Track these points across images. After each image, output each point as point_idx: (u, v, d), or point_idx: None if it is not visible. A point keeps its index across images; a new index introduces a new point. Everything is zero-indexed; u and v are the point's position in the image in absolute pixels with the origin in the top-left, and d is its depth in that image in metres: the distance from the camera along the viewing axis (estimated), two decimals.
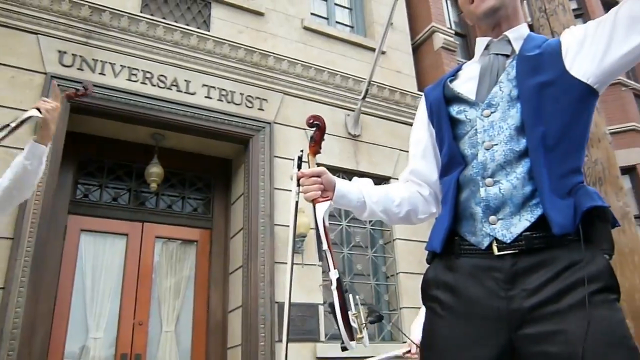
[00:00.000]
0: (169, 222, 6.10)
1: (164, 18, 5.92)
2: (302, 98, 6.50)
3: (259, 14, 6.68)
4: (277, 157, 6.00)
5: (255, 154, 5.92)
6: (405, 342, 3.56)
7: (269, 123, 6.11)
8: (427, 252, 1.50)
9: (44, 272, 4.82)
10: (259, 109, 6.15)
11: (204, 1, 6.36)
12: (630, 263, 3.68)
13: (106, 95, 5.23)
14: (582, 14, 10.71)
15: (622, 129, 9.40)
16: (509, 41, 1.49)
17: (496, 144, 1.36)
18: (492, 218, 1.32)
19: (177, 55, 5.78)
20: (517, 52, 1.44)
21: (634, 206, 8.83)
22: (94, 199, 5.81)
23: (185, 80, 5.76)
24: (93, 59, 5.32)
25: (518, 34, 1.49)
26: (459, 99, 1.48)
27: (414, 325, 3.39)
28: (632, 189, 9.32)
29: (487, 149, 1.37)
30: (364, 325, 1.56)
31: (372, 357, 3.41)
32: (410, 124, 1.91)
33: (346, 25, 7.83)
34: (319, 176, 1.61)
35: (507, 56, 1.46)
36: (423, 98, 1.66)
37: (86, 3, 5.36)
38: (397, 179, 1.82)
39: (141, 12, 5.80)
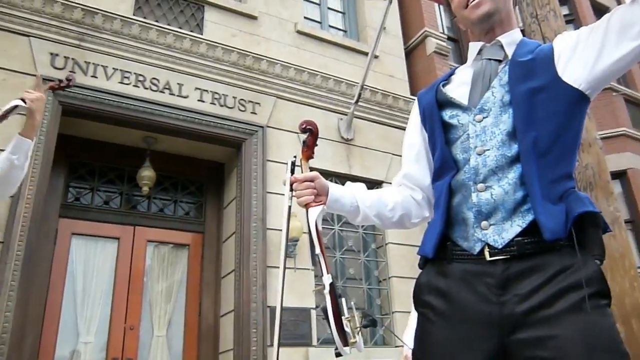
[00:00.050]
0: (160, 225, 6.07)
1: (156, 21, 5.91)
2: (295, 102, 6.50)
3: (252, 17, 6.68)
4: (269, 161, 5.99)
5: (248, 158, 5.91)
6: (398, 346, 3.56)
7: (262, 127, 6.10)
8: (419, 256, 1.50)
9: (34, 276, 4.78)
10: (251, 112, 6.14)
11: (197, 4, 6.36)
12: (621, 268, 3.70)
13: (98, 98, 5.21)
14: (573, 20, 10.79)
15: (612, 133, 9.47)
16: (501, 46, 1.49)
17: (488, 149, 1.36)
18: (484, 223, 1.33)
19: (169, 58, 5.77)
20: (509, 57, 1.44)
21: (624, 211, 8.89)
22: (85, 202, 5.78)
23: (178, 84, 5.75)
24: (85, 62, 5.30)
25: (511, 39, 1.50)
26: (451, 104, 1.48)
27: (407, 331, 3.38)
28: (623, 193, 9.39)
29: (479, 154, 1.37)
30: (358, 329, 1.56)
31: None
32: (403, 128, 1.91)
33: (339, 29, 7.85)
34: (312, 181, 1.61)
35: (500, 61, 1.46)
36: (416, 102, 1.67)
37: (78, 5, 5.34)
38: (390, 183, 1.82)
39: (134, 14, 5.79)
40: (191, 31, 6.11)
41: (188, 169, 6.39)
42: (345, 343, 1.50)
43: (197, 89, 5.86)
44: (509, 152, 1.34)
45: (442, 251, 1.40)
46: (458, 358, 1.28)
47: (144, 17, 5.85)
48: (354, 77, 6.88)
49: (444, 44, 8.27)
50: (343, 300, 1.57)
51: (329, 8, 7.87)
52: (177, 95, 5.70)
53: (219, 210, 6.43)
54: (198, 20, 6.30)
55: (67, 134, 5.36)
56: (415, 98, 1.69)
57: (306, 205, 1.61)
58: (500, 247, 1.29)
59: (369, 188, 1.71)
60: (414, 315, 3.06)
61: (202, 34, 6.16)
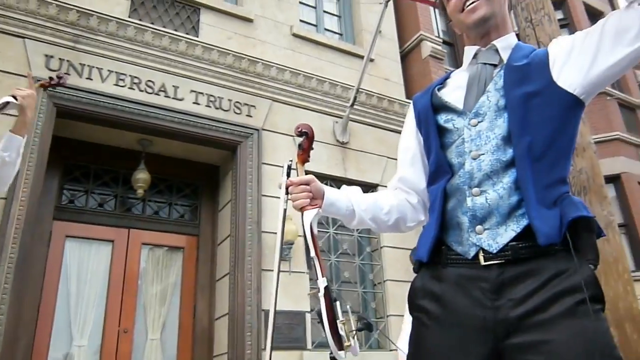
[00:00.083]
0: (155, 228, 6.06)
1: (152, 23, 5.90)
2: (290, 105, 6.51)
3: (248, 20, 6.68)
4: (265, 163, 5.99)
5: (243, 161, 5.91)
6: (393, 350, 3.55)
7: (257, 130, 6.10)
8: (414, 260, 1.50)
9: (28, 279, 4.76)
10: (247, 115, 6.14)
11: (193, 7, 6.35)
12: (615, 272, 3.71)
13: (93, 100, 5.19)
14: (567, 24, 10.86)
15: (606, 138, 9.53)
16: (496, 50, 1.49)
17: (483, 154, 1.37)
18: (478, 228, 1.33)
19: (165, 60, 5.76)
20: (504, 61, 1.45)
21: (618, 215, 8.93)
22: (80, 204, 5.76)
23: (174, 86, 5.74)
24: (80, 64, 5.29)
25: (506, 43, 1.50)
26: (446, 108, 1.48)
27: (401, 335, 3.38)
28: (617, 197, 9.44)
29: (474, 159, 1.37)
30: (353, 333, 1.55)
31: None
32: (398, 132, 1.92)
33: (335, 32, 7.87)
34: (307, 184, 1.61)
35: (495, 66, 1.46)
36: (411, 106, 1.67)
37: (74, 7, 5.33)
38: (385, 186, 1.82)
39: (129, 17, 5.78)
40: (187, 34, 6.11)
41: (183, 172, 6.38)
42: (340, 347, 1.49)
43: (192, 91, 5.85)
44: (503, 156, 1.34)
45: (436, 255, 1.40)
46: None
47: (140, 20, 5.85)
48: (349, 80, 6.89)
49: (440, 47, 8.31)
50: (338, 303, 1.57)
51: (324, 11, 7.88)
52: (173, 98, 5.70)
53: (213, 213, 6.42)
54: (194, 22, 6.30)
55: (62, 136, 5.35)
56: (411, 101, 1.69)
57: (302, 209, 1.61)
58: (494, 251, 1.29)
59: (364, 191, 1.71)
60: (407, 320, 3.06)
61: (197, 37, 6.15)
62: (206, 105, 5.90)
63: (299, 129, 1.82)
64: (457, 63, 8.81)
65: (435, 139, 1.47)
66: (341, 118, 6.75)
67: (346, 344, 1.51)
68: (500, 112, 1.37)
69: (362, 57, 6.77)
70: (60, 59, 5.19)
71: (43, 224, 5.24)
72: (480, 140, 1.38)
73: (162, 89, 5.66)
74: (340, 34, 7.91)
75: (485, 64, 1.48)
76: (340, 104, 6.82)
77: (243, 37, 6.55)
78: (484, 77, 1.45)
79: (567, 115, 1.35)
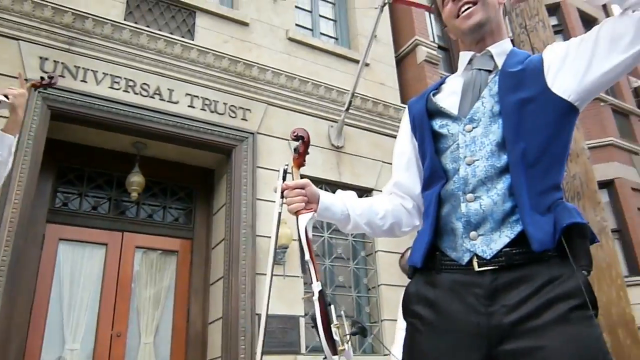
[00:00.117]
0: (149, 232, 6.04)
1: (147, 26, 5.90)
2: (285, 109, 6.51)
3: (244, 24, 6.68)
4: (260, 167, 5.98)
5: (238, 164, 5.90)
6: (387, 355, 3.55)
7: (252, 133, 6.10)
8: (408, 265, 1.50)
9: (20, 282, 4.73)
10: (242, 119, 6.14)
11: (189, 10, 6.35)
12: (608, 277, 3.73)
13: (87, 102, 5.18)
14: (561, 30, 10.92)
15: (600, 143, 9.58)
16: (491, 56, 1.49)
17: (477, 160, 1.37)
18: (472, 234, 1.33)
19: (160, 63, 5.76)
20: (499, 67, 1.45)
21: (611, 220, 8.97)
22: (74, 207, 5.74)
23: (169, 89, 5.74)
24: (75, 66, 5.27)
25: (501, 49, 1.50)
26: (441, 113, 1.49)
27: (396, 339, 3.38)
28: (610, 203, 9.48)
29: (469, 164, 1.37)
30: (347, 337, 1.55)
31: None
32: (393, 136, 1.92)
33: (330, 36, 7.88)
34: (302, 188, 1.61)
35: (490, 71, 1.47)
36: (406, 110, 1.67)
37: (69, 10, 5.32)
38: (380, 190, 1.82)
39: (125, 19, 5.77)
40: (182, 37, 6.11)
41: (177, 175, 6.37)
42: (335, 351, 1.50)
43: (187, 94, 5.85)
44: (498, 162, 1.34)
45: (431, 261, 1.40)
46: None
47: (135, 22, 5.84)
48: (344, 85, 6.91)
49: (435, 52, 8.34)
50: (332, 308, 1.57)
51: (320, 16, 7.90)
52: (168, 101, 5.69)
53: (208, 216, 6.40)
54: (189, 26, 6.30)
55: (56, 139, 5.33)
56: (406, 106, 1.69)
57: (297, 213, 1.61)
58: (488, 257, 1.29)
59: (359, 195, 1.71)
60: (401, 326, 3.06)
61: (193, 40, 6.15)
62: (201, 109, 5.89)
63: (295, 133, 1.82)
64: (452, 68, 8.84)
65: (430, 144, 1.48)
66: (336, 122, 6.75)
67: (340, 348, 1.51)
68: (495, 118, 1.38)
69: (357, 61, 6.79)
70: (55, 61, 5.17)
71: (36, 227, 5.21)
72: (475, 146, 1.38)
73: (157, 92, 5.65)
74: (336, 39, 7.93)
75: (480, 69, 1.48)
76: (336, 108, 6.83)
77: (239, 41, 6.55)
78: (479, 82, 1.46)
79: (561, 122, 1.35)
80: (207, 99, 5.97)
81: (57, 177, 5.69)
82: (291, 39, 7.04)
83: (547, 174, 1.32)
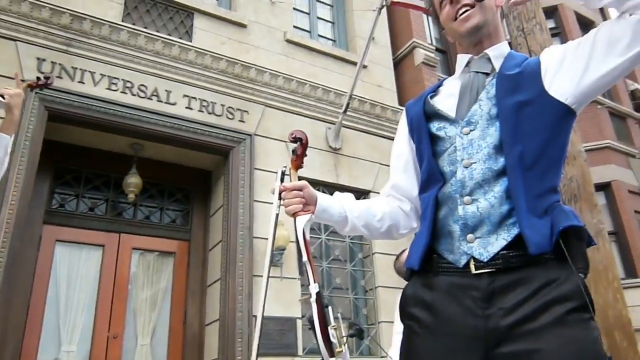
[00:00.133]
0: (146, 233, 6.03)
1: (145, 27, 5.89)
2: (283, 110, 6.51)
3: (242, 25, 6.69)
4: (257, 169, 5.98)
5: (236, 166, 5.90)
6: (384, 357, 3.55)
7: (250, 135, 6.10)
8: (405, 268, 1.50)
9: (17, 282, 4.72)
10: (239, 120, 6.14)
11: (187, 11, 6.35)
12: (604, 280, 3.73)
13: (85, 103, 5.17)
14: (559, 33, 10.95)
15: (597, 146, 9.60)
16: (489, 59, 1.50)
17: (475, 162, 1.37)
18: (469, 236, 1.33)
19: (158, 65, 5.75)
20: (497, 70, 1.45)
21: (608, 223, 8.99)
22: (70, 208, 5.72)
23: (166, 91, 5.73)
24: (72, 67, 5.27)
25: (498, 52, 1.50)
26: (439, 116, 1.49)
27: (393, 342, 3.38)
28: (607, 205, 9.50)
29: (466, 167, 1.38)
30: (344, 339, 1.55)
31: None
32: (391, 138, 1.93)
33: (328, 38, 7.89)
34: (300, 190, 1.61)
35: (487, 74, 1.47)
36: (404, 112, 1.67)
37: (67, 11, 5.32)
38: (378, 192, 1.82)
39: (123, 21, 5.77)
40: (180, 38, 6.11)
41: (175, 177, 6.36)
42: (332, 353, 1.49)
43: (185, 96, 5.84)
44: (495, 165, 1.34)
45: (428, 263, 1.40)
46: None
47: (133, 24, 5.84)
48: (342, 87, 6.91)
49: (432, 55, 8.35)
50: (329, 309, 1.57)
51: (318, 17, 7.91)
52: (165, 102, 5.69)
53: (205, 218, 6.40)
54: (187, 27, 6.30)
55: (53, 140, 5.32)
56: (403, 108, 1.69)
57: (294, 214, 1.61)
58: (485, 260, 1.29)
59: (356, 197, 1.71)
60: (398, 330, 3.06)
61: (191, 41, 6.15)
62: (199, 110, 5.89)
63: (294, 135, 1.82)
64: (449, 70, 8.86)
65: (428, 147, 1.48)
66: (334, 124, 6.76)
67: (337, 350, 1.51)
68: (492, 121, 1.38)
69: (355, 63, 6.80)
70: (52, 62, 5.17)
71: (33, 228, 5.20)
72: (472, 148, 1.38)
73: (155, 94, 5.65)
74: (334, 41, 7.94)
75: (477, 72, 1.48)
76: (333, 110, 6.83)
77: (236, 43, 6.55)
78: (476, 85, 1.46)
79: (558, 125, 1.35)
80: (204, 100, 5.97)
81: (54, 178, 5.67)
82: (289, 41, 7.04)
83: (544, 177, 1.32)
